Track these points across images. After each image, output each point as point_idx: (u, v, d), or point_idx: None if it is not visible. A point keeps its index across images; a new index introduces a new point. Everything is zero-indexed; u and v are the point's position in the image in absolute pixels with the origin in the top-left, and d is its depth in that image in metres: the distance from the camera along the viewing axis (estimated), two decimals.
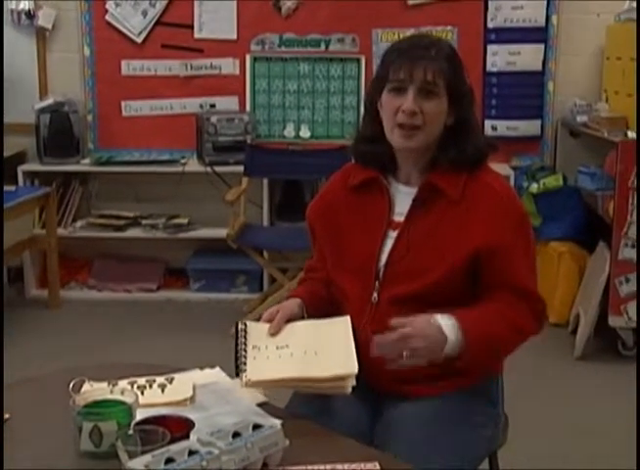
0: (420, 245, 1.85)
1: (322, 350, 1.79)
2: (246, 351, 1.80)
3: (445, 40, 1.96)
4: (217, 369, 1.97)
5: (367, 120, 1.95)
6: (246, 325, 1.87)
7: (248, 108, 5.00)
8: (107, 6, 4.92)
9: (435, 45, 1.84)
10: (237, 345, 1.81)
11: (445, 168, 1.86)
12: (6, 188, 4.44)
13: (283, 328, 1.87)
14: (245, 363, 1.77)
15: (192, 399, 1.79)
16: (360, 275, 1.90)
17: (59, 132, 4.82)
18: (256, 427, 1.49)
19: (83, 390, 1.76)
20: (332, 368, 1.73)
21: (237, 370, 1.76)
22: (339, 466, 1.51)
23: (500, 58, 4.84)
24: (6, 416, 1.69)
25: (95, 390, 1.71)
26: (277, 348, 1.81)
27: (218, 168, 4.80)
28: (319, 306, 1.98)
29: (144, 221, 4.95)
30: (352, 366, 1.73)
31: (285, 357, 1.79)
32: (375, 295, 1.89)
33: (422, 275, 1.83)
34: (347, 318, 1.88)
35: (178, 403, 1.76)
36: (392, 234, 1.89)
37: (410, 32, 4.74)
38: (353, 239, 1.93)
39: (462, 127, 1.87)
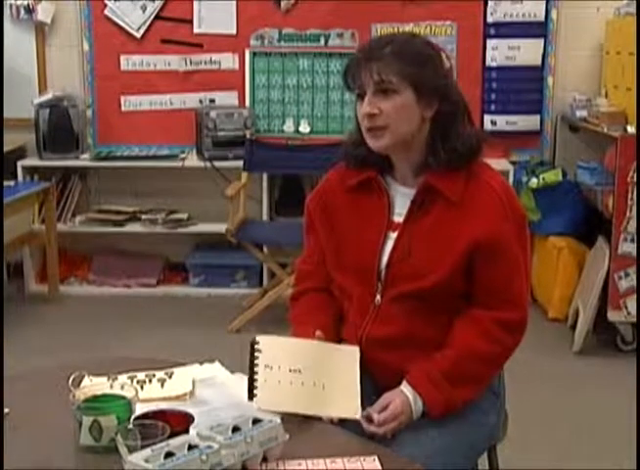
0: (420, 247, 1.85)
1: (329, 384, 1.79)
2: (257, 371, 1.77)
3: (410, 35, 1.94)
4: (217, 364, 1.97)
5: (357, 125, 1.93)
6: (259, 342, 1.83)
7: (247, 103, 5.00)
8: (106, 0, 4.91)
9: (392, 43, 1.82)
10: (252, 364, 1.78)
11: (442, 168, 1.85)
12: (5, 183, 4.44)
13: (298, 345, 1.87)
14: (256, 387, 1.75)
15: (191, 393, 1.79)
16: (362, 276, 1.91)
17: (58, 127, 4.81)
18: (256, 421, 1.49)
19: (83, 384, 1.76)
20: (336, 410, 1.74)
21: (250, 394, 1.74)
22: (338, 460, 1.52)
23: (500, 53, 4.83)
24: (6, 410, 1.70)
25: (95, 384, 1.72)
26: (290, 370, 1.79)
27: (218, 164, 4.80)
28: (333, 330, 1.97)
29: (143, 216, 4.95)
30: (356, 411, 1.75)
31: (295, 386, 1.77)
32: (378, 297, 1.89)
33: (423, 277, 1.83)
34: (357, 350, 1.88)
35: (178, 398, 1.77)
36: (392, 235, 1.89)
37: (409, 28, 4.75)
38: (353, 239, 1.93)
39: (447, 120, 1.85)
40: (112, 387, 1.67)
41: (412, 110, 1.83)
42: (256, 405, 1.71)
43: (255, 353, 1.79)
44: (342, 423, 1.73)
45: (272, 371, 1.78)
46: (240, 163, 4.62)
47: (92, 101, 5.04)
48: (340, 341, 1.95)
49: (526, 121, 4.90)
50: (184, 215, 4.98)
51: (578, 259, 4.39)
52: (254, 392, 1.73)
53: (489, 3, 4.80)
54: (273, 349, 1.82)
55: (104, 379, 1.79)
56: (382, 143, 1.85)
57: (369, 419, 1.76)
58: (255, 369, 1.76)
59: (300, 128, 5.01)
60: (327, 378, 1.80)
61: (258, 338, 1.83)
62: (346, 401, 1.77)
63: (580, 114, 4.62)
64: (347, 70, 1.87)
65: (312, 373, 1.80)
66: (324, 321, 1.96)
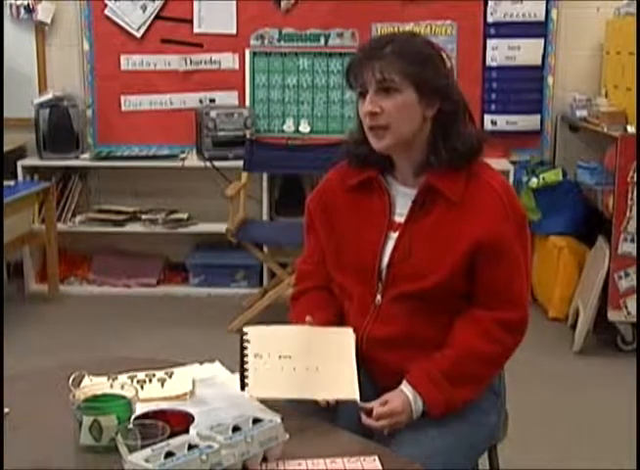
0: (421, 247, 1.85)
1: (324, 367, 1.79)
2: (247, 361, 1.78)
3: (411, 34, 1.94)
4: (217, 364, 1.97)
5: (359, 124, 1.94)
6: (247, 333, 1.84)
7: (247, 103, 5.00)
8: (106, 0, 4.91)
9: (393, 41, 1.83)
10: (242, 354, 1.79)
11: (442, 168, 1.85)
12: (5, 183, 4.44)
13: (287, 332, 1.87)
14: (247, 377, 1.76)
15: (191, 393, 1.79)
16: (362, 276, 1.90)
17: (58, 127, 4.81)
18: (256, 421, 1.49)
19: (83, 384, 1.76)
20: (333, 392, 1.74)
21: (242, 384, 1.75)
22: (338, 460, 1.52)
23: (500, 52, 4.83)
24: (6, 410, 1.70)
25: (95, 384, 1.72)
26: (280, 357, 1.80)
27: (218, 163, 4.80)
28: (334, 326, 1.97)
29: (143, 216, 4.95)
30: (353, 392, 1.75)
31: (287, 371, 1.77)
32: (378, 297, 1.89)
33: (424, 277, 1.83)
34: (351, 332, 1.87)
35: (178, 398, 1.77)
36: (393, 235, 1.89)
37: (409, 27, 4.75)
38: (354, 239, 1.92)
39: (448, 119, 1.85)
40: (112, 387, 1.67)
41: (413, 109, 1.83)
42: (248, 394, 1.71)
43: (244, 344, 1.80)
44: (342, 421, 1.74)
45: (262, 360, 1.79)
46: (240, 162, 4.62)
47: (92, 101, 5.04)
48: None
49: (527, 121, 4.90)
50: (184, 215, 4.98)
51: (579, 259, 4.39)
52: (245, 381, 1.74)
53: (489, 3, 4.80)
54: (262, 338, 1.83)
55: (104, 379, 1.79)
56: (384, 143, 1.85)
57: (368, 413, 1.76)
58: (245, 359, 1.77)
59: (301, 128, 5.01)
60: (321, 361, 1.80)
61: (246, 329, 1.85)
62: (343, 383, 1.77)
63: (580, 113, 4.62)
64: (349, 68, 1.87)
65: (304, 358, 1.80)
66: (325, 318, 1.95)
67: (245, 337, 1.82)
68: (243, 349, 1.80)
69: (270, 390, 1.73)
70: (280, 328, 1.90)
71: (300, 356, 1.80)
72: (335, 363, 1.80)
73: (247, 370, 1.76)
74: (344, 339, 1.86)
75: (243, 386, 1.74)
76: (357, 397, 1.74)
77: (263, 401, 1.73)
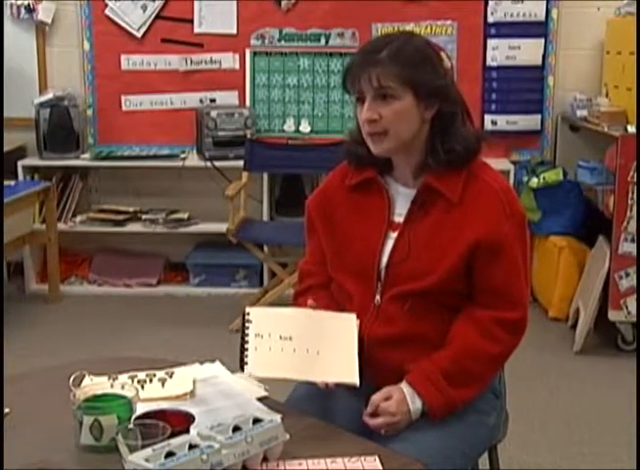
0: (420, 247, 1.85)
1: (324, 350, 1.79)
2: (248, 341, 1.79)
3: (408, 35, 1.91)
4: (217, 363, 1.97)
5: (357, 123, 1.93)
6: (249, 313, 1.86)
7: (247, 102, 5.00)
8: (106, 0, 4.91)
9: (390, 45, 1.81)
10: (243, 333, 1.81)
11: (441, 169, 1.85)
12: (6, 183, 4.44)
13: (289, 314, 1.88)
14: (247, 356, 1.77)
15: (192, 393, 1.79)
16: (362, 276, 1.91)
17: (58, 127, 4.81)
18: (257, 421, 1.49)
19: (83, 384, 1.76)
20: (332, 375, 1.75)
21: (241, 363, 1.76)
22: (338, 460, 1.52)
23: (500, 52, 4.83)
24: (6, 410, 1.70)
25: (95, 384, 1.72)
26: (280, 338, 1.80)
27: (218, 163, 4.80)
28: None
29: (144, 216, 4.95)
30: (353, 376, 1.75)
31: (287, 352, 1.78)
32: (377, 297, 1.89)
33: (423, 277, 1.83)
34: (354, 317, 1.87)
35: (178, 398, 1.77)
36: (392, 235, 1.89)
37: (410, 27, 4.75)
38: (353, 239, 1.93)
39: (447, 120, 1.85)
40: (112, 386, 1.67)
41: (412, 113, 1.82)
42: (247, 373, 1.72)
43: (246, 324, 1.81)
44: (342, 421, 1.75)
45: (263, 339, 1.80)
46: (240, 162, 4.62)
47: (92, 100, 5.04)
48: None
49: (527, 121, 4.89)
50: (184, 215, 4.98)
51: (579, 259, 4.39)
52: (245, 360, 1.74)
53: (490, 2, 4.80)
54: (264, 318, 1.85)
55: (104, 378, 1.79)
56: (383, 148, 1.85)
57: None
58: (246, 339, 1.78)
59: (301, 128, 5.01)
60: (322, 345, 1.81)
61: (249, 309, 1.87)
62: (343, 367, 1.77)
63: (581, 113, 4.62)
64: (346, 74, 1.86)
65: (305, 340, 1.81)
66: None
67: (247, 317, 1.83)
68: (244, 328, 1.80)
69: (269, 370, 1.74)
70: (283, 310, 1.91)
71: (302, 338, 1.81)
72: (336, 347, 1.81)
73: (247, 350, 1.77)
74: (347, 324, 1.86)
75: (242, 366, 1.75)
76: (357, 381, 1.75)
77: (264, 399, 1.74)
